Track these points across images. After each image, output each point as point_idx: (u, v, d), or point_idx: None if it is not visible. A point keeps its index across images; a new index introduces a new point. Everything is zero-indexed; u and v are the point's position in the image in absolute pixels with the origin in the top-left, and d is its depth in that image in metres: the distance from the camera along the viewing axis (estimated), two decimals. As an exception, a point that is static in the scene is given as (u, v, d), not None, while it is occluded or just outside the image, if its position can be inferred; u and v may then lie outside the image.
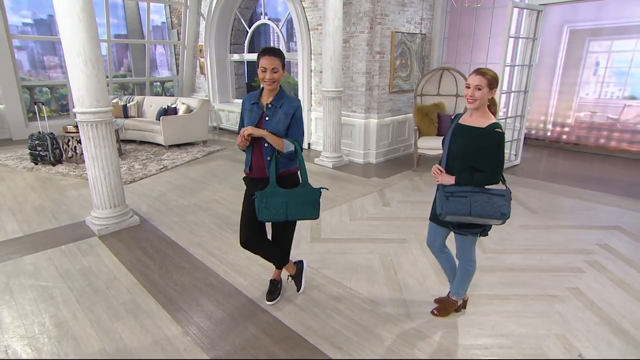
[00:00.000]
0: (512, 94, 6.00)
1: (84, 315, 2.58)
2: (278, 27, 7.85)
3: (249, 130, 2.26)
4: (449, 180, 2.19)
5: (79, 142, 6.41)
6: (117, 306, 2.68)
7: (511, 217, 4.24)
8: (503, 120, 5.75)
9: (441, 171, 2.25)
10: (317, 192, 2.37)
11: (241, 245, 2.55)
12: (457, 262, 2.50)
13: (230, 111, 8.93)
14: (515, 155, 6.19)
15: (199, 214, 4.27)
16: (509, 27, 5.21)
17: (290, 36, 8.81)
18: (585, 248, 3.48)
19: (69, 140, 6.45)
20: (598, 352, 2.24)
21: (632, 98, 7.10)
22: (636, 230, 3.88)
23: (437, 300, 2.70)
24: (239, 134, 2.46)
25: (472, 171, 2.16)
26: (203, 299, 2.77)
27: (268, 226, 2.63)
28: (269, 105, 2.34)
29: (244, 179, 2.55)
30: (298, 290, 2.81)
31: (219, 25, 8.76)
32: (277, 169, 2.34)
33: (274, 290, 2.76)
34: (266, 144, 2.32)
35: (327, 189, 2.53)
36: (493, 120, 2.16)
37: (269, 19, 8.23)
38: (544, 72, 7.52)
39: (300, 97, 7.22)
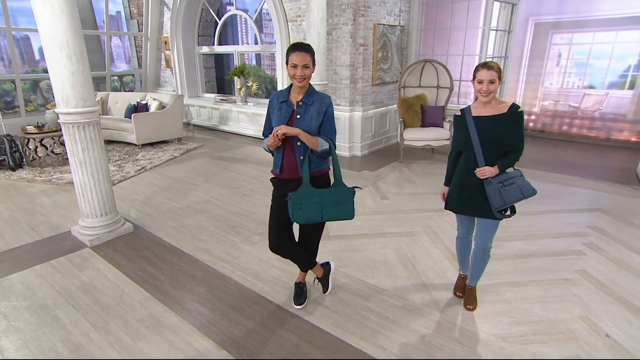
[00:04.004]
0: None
1: (100, 337, 2.36)
2: (251, 18, 7.58)
3: (283, 129, 2.14)
4: (494, 171, 2.25)
5: (42, 143, 5.87)
6: (135, 323, 2.48)
7: (507, 205, 4.40)
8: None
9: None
10: (352, 191, 2.30)
11: (270, 250, 2.46)
12: (472, 250, 2.59)
13: (202, 106, 8.55)
14: (493, 144, 6.45)
15: (196, 216, 4.05)
16: (489, 20, 5.38)
17: (259, 27, 8.55)
18: (580, 231, 3.71)
19: (28, 142, 5.88)
20: (621, 330, 2.39)
21: (591, 87, 7.64)
22: (616, 211, 4.18)
23: (459, 294, 2.73)
24: (265, 134, 2.36)
25: (505, 155, 2.27)
26: (227, 308, 2.63)
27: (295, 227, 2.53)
28: (300, 103, 2.23)
29: (272, 180, 2.43)
30: (325, 291, 2.75)
31: (186, 16, 8.32)
32: (310, 168, 2.25)
33: (301, 293, 2.68)
34: (299, 143, 2.22)
35: (360, 188, 2.47)
36: (509, 102, 2.27)
37: (237, 10, 7.91)
38: (511, 63, 7.86)
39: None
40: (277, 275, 3.01)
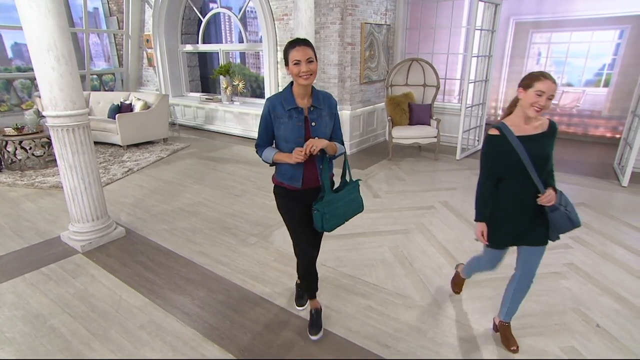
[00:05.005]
0: (474, 83, 6.35)
1: (101, 345, 2.32)
2: (237, 17, 7.49)
3: (318, 144, 1.94)
4: (555, 194, 2.00)
5: (21, 145, 5.68)
6: (136, 330, 2.45)
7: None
8: (469, 109, 6.08)
9: (538, 195, 1.98)
10: (357, 184, 2.28)
11: (303, 269, 2.31)
12: (515, 282, 2.27)
13: (186, 106, 8.41)
14: (478, 140, 6.61)
15: (189, 219, 4.00)
16: (475, 19, 5.48)
17: (244, 26, 8.47)
18: (565, 225, 3.84)
19: (6, 144, 5.67)
20: (611, 320, 2.51)
21: (569, 85, 7.91)
22: (596, 205, 4.35)
23: (457, 290, 2.76)
24: (261, 145, 2.15)
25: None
26: (229, 311, 2.62)
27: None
28: (311, 108, 2.04)
29: (282, 193, 2.21)
30: (317, 333, 2.37)
31: (168, 13, 8.15)
32: (329, 175, 2.16)
33: (302, 294, 2.69)
34: (318, 152, 2.03)
35: (361, 180, 2.40)
36: (544, 118, 2.00)
37: (224, 7, 7.81)
38: (494, 62, 8.05)
39: (266, 90, 7.02)
40: (277, 276, 3.01)
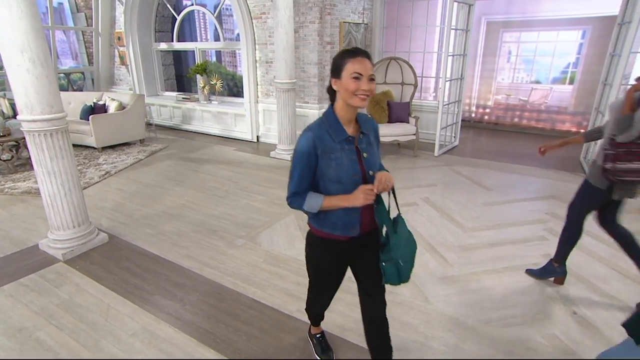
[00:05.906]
0: (450, 81, 6.53)
1: (91, 355, 2.27)
2: (213, 15, 7.37)
3: (390, 178, 1.59)
4: None
5: (-13, 150, 5.40)
6: (128, 339, 2.41)
7: (474, 195, 4.71)
8: (446, 106, 6.24)
9: None
10: (403, 219, 1.83)
11: (319, 314, 2.24)
12: None
13: (162, 105, 8.22)
14: (454, 137, 6.81)
15: (173, 222, 3.94)
16: (450, 19, 5.63)
17: (219, 23, 8.34)
18: (540, 218, 4.05)
19: (-30, 149, 5.38)
20: (586, 307, 2.68)
21: (537, 82, 8.26)
22: (566, 197, 4.48)
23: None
24: (300, 192, 1.63)
25: None
26: (222, 315, 2.62)
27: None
28: (360, 136, 1.64)
29: (327, 248, 1.78)
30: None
31: (141, 10, 7.92)
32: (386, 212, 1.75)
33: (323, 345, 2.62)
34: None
35: (399, 212, 1.85)
36: None
37: (199, 5, 7.67)
38: (467, 60, 8.29)
39: (245, 89, 6.95)
40: (268, 277, 3.03)
